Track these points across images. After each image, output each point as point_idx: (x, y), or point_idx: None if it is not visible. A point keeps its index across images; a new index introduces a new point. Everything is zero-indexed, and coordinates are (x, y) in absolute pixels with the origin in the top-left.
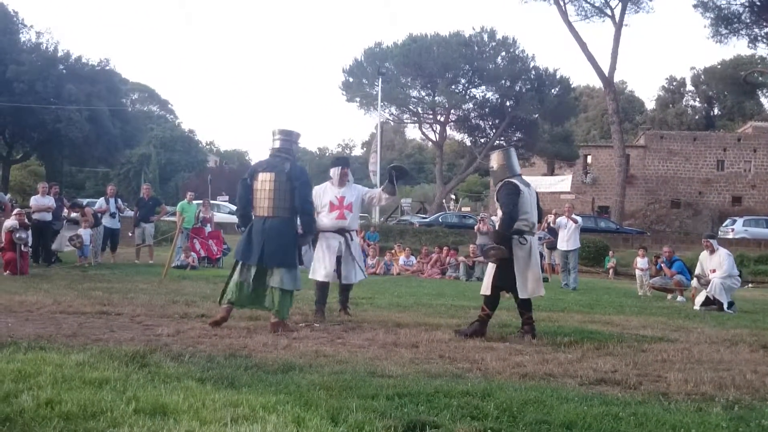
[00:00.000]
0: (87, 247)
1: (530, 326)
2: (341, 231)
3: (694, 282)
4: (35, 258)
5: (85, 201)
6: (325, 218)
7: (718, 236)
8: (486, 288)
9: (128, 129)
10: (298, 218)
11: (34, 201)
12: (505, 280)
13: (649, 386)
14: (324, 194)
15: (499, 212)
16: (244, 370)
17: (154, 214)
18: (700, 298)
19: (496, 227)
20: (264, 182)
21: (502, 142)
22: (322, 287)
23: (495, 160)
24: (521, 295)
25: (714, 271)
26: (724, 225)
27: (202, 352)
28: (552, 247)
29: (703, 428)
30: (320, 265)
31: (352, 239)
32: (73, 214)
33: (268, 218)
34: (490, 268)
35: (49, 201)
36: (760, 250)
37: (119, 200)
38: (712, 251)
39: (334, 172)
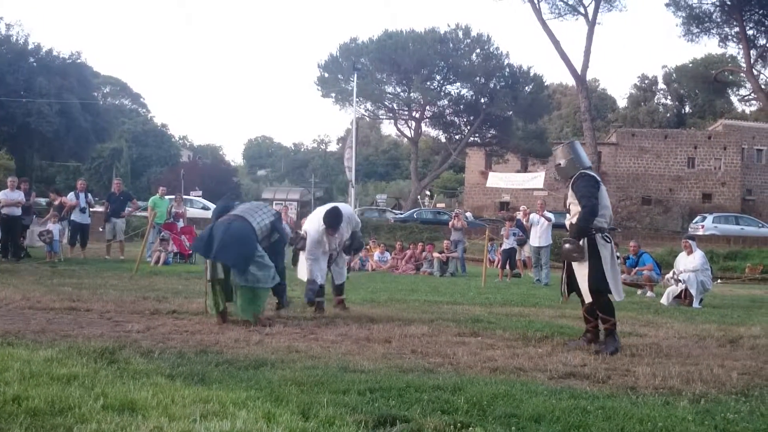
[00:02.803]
0: (56, 242)
1: (595, 333)
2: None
3: (670, 276)
4: (4, 253)
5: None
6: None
7: (688, 233)
8: (585, 295)
9: (99, 123)
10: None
11: (3, 195)
12: (600, 281)
13: (618, 380)
14: (325, 243)
15: (573, 207)
16: (214, 366)
17: (125, 209)
18: (671, 292)
19: (572, 222)
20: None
21: (476, 138)
22: (318, 286)
23: (561, 156)
24: (617, 298)
25: None
26: (694, 222)
27: (172, 349)
28: (522, 243)
29: (670, 422)
30: (313, 268)
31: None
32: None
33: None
34: (580, 273)
35: (19, 195)
36: (729, 247)
37: (89, 195)
38: (690, 252)
39: (323, 229)
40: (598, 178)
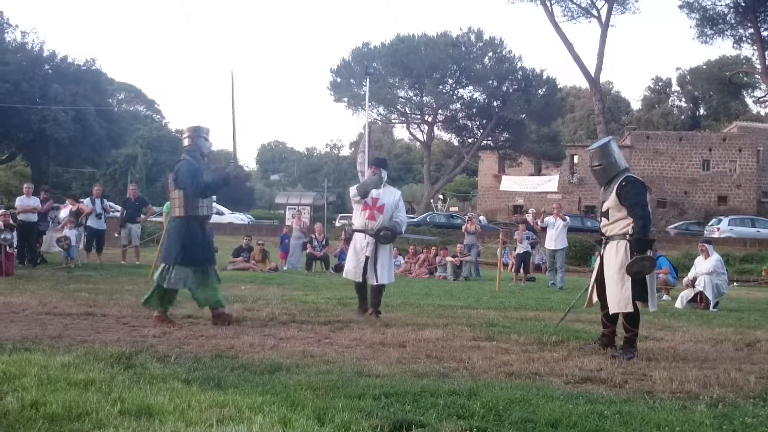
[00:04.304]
0: (73, 248)
1: (610, 338)
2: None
3: (686, 280)
4: (21, 259)
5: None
6: (357, 217)
7: (704, 236)
8: (627, 304)
9: (114, 129)
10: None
11: (20, 202)
12: (642, 291)
13: (635, 385)
14: (367, 184)
15: (615, 213)
16: (230, 370)
17: (140, 215)
18: (685, 296)
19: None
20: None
21: (489, 142)
22: (356, 286)
23: (598, 157)
24: (651, 308)
25: None
26: (709, 224)
27: (188, 353)
28: (533, 245)
29: (688, 426)
30: (348, 265)
31: None
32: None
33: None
34: (619, 280)
35: (35, 202)
36: (745, 250)
37: (105, 201)
38: (707, 256)
39: (369, 171)
40: (645, 183)
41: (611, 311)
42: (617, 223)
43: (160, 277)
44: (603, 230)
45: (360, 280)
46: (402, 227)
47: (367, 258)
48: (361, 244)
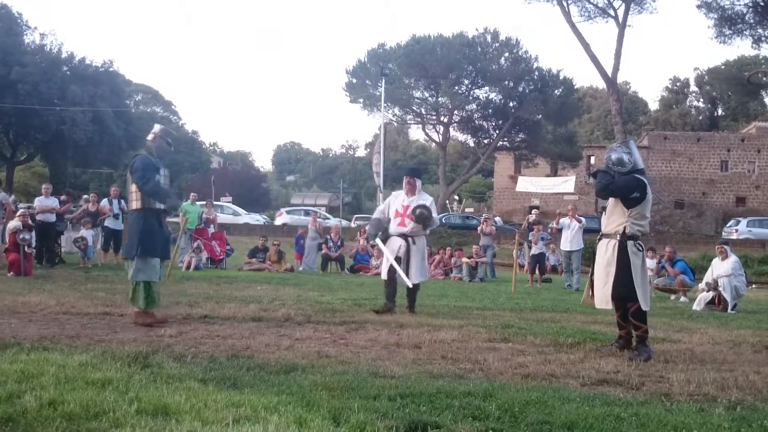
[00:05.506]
0: (90, 248)
1: (628, 340)
2: (402, 235)
3: (702, 284)
4: (39, 259)
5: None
6: (391, 224)
7: (722, 238)
8: (606, 301)
9: (132, 130)
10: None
11: (38, 202)
12: (624, 289)
13: (652, 387)
14: (394, 202)
15: (612, 206)
16: (246, 370)
17: None
18: (703, 298)
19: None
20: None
21: (505, 143)
22: (386, 284)
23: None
24: (644, 307)
25: None
26: (728, 225)
27: (204, 353)
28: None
29: (705, 429)
30: (384, 265)
31: (414, 243)
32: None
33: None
34: (604, 278)
35: (53, 202)
36: (764, 251)
37: (122, 201)
38: (725, 257)
39: (404, 181)
40: (648, 188)
41: (596, 306)
42: (612, 219)
43: (133, 272)
44: (602, 224)
45: (386, 277)
46: (436, 221)
47: (398, 258)
48: (393, 246)
